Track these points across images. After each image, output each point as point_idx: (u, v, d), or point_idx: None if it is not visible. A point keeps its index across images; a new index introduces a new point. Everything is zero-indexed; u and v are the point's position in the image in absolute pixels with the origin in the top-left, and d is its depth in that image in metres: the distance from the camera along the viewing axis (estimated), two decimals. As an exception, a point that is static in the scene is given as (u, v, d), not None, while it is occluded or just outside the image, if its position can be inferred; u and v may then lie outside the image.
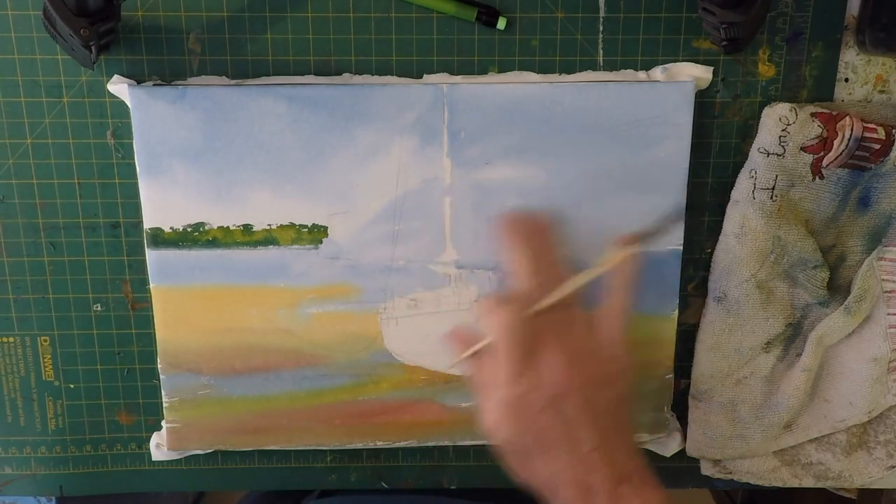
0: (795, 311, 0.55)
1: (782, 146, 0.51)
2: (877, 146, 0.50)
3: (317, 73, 0.51)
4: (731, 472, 0.58)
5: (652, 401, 0.56)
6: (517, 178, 0.51)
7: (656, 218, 0.49)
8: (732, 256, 0.53)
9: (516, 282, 0.47)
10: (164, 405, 0.54)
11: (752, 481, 0.58)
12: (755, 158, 0.51)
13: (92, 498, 0.60)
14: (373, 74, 0.51)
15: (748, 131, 0.53)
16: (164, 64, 0.50)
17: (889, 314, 0.53)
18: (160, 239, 0.51)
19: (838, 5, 0.51)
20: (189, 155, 0.50)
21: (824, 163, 0.51)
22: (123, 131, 0.51)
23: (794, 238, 0.52)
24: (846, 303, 0.53)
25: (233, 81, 0.50)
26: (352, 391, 0.55)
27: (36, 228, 0.53)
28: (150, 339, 0.55)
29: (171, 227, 0.51)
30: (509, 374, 0.45)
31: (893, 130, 0.50)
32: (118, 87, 0.50)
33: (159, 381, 0.54)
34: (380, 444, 0.56)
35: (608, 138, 0.50)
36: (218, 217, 0.51)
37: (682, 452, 0.58)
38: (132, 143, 0.50)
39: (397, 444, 0.57)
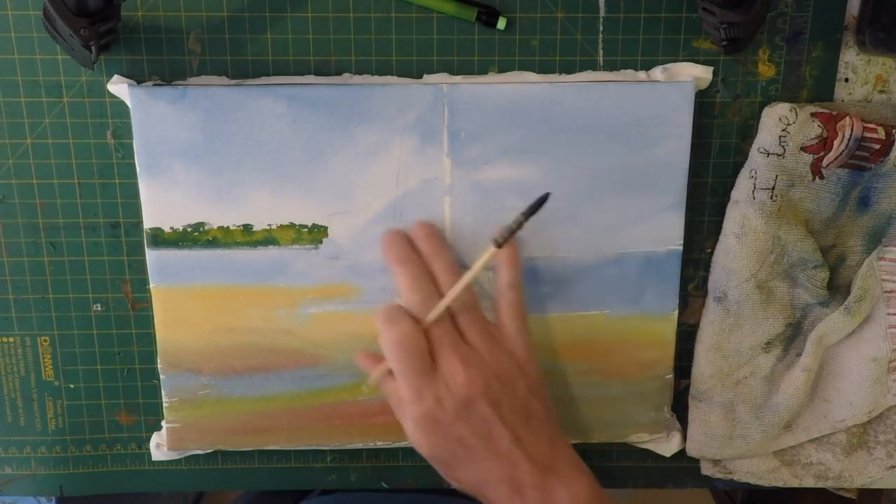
0: (795, 311, 0.55)
1: (782, 146, 0.51)
2: (877, 146, 0.50)
3: (317, 73, 0.51)
4: (731, 472, 0.58)
5: (652, 401, 0.56)
6: (517, 178, 0.51)
7: (523, 207, 0.48)
8: (732, 256, 0.53)
9: (402, 299, 0.49)
10: (164, 405, 0.54)
11: (752, 481, 0.58)
12: (755, 158, 0.51)
13: (92, 498, 0.60)
14: (373, 74, 0.51)
15: (748, 131, 0.53)
16: (164, 64, 0.50)
17: (889, 314, 0.53)
18: (160, 239, 0.51)
19: (838, 5, 0.51)
20: (189, 155, 0.50)
21: (824, 163, 0.51)
22: (123, 131, 0.51)
23: (794, 238, 0.52)
24: (846, 303, 0.53)
25: (233, 81, 0.50)
26: (352, 391, 0.55)
27: (36, 228, 0.53)
28: (150, 339, 0.55)
29: (171, 227, 0.51)
30: (410, 393, 0.46)
31: (893, 130, 0.50)
32: (118, 87, 0.50)
33: (159, 381, 0.54)
34: (380, 444, 0.56)
35: (608, 138, 0.50)
36: (218, 217, 0.51)
37: (682, 452, 0.58)
38: (132, 143, 0.50)
39: (397, 444, 0.57)
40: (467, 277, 0.47)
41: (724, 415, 0.56)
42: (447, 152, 0.50)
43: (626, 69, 0.51)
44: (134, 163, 0.50)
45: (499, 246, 0.48)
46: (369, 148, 0.50)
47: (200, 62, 0.51)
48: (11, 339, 0.55)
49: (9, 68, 0.50)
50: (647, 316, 0.54)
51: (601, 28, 0.51)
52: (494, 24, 0.50)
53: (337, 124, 0.50)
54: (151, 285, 0.52)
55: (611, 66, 0.51)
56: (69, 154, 0.52)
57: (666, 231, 0.52)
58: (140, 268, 0.54)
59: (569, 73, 0.51)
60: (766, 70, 0.52)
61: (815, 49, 0.51)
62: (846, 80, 0.52)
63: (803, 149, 0.51)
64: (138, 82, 0.50)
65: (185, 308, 0.52)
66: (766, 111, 0.51)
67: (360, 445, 0.56)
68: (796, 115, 0.50)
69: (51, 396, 0.56)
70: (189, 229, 0.51)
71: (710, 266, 0.55)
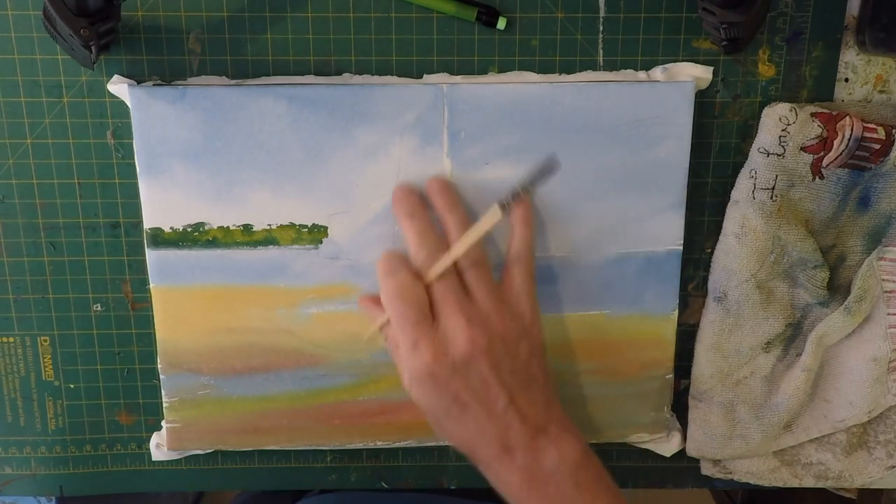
0: (795, 311, 0.55)
1: (782, 146, 0.51)
2: (877, 146, 0.50)
3: (317, 73, 0.51)
4: (731, 472, 0.58)
5: (652, 401, 0.56)
6: (517, 178, 0.51)
7: (530, 171, 0.48)
8: (732, 256, 0.53)
9: (410, 254, 0.48)
10: (164, 405, 0.54)
11: (752, 481, 0.58)
12: (755, 158, 0.51)
13: (92, 498, 0.60)
14: (373, 74, 0.51)
15: (748, 131, 0.53)
16: (164, 64, 0.50)
17: (889, 314, 0.53)
18: (160, 239, 0.51)
19: (838, 5, 0.51)
20: (189, 155, 0.50)
21: (824, 163, 0.51)
22: (123, 131, 0.51)
23: (794, 238, 0.52)
24: (846, 303, 0.53)
25: (233, 81, 0.50)
26: (352, 391, 0.55)
27: (36, 228, 0.53)
28: (150, 339, 0.55)
29: (171, 227, 0.51)
30: (406, 344, 0.46)
31: (893, 130, 0.50)
32: (118, 87, 0.50)
33: (159, 381, 0.54)
34: (380, 444, 0.56)
35: (608, 138, 0.50)
36: (218, 217, 0.51)
37: (682, 452, 0.58)
38: (132, 143, 0.50)
39: (397, 444, 0.57)
40: (470, 238, 0.47)
41: (724, 415, 0.56)
42: (447, 152, 0.50)
43: (626, 69, 0.51)
44: (134, 163, 0.50)
45: (503, 209, 0.47)
46: (369, 148, 0.50)
47: (200, 62, 0.51)
48: (11, 339, 0.55)
49: (9, 68, 0.50)
50: (647, 316, 0.54)
51: (601, 28, 0.51)
52: (494, 24, 0.50)
53: (337, 124, 0.50)
54: (151, 285, 0.52)
55: (611, 66, 0.51)
56: (69, 154, 0.52)
57: (666, 231, 0.52)
58: (140, 268, 0.54)
59: (569, 73, 0.51)
60: (766, 70, 0.52)
61: (815, 49, 0.51)
62: (846, 80, 0.52)
63: (803, 149, 0.51)
64: (138, 82, 0.50)
65: (185, 308, 0.52)
66: (766, 111, 0.51)
67: (360, 445, 0.56)
68: (796, 115, 0.50)
69: (51, 396, 0.56)
70: (189, 229, 0.51)
71: (710, 266, 0.55)
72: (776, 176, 0.51)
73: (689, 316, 0.56)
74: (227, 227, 0.51)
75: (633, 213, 0.52)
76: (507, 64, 0.51)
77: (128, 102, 0.49)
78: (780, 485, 0.58)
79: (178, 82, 0.50)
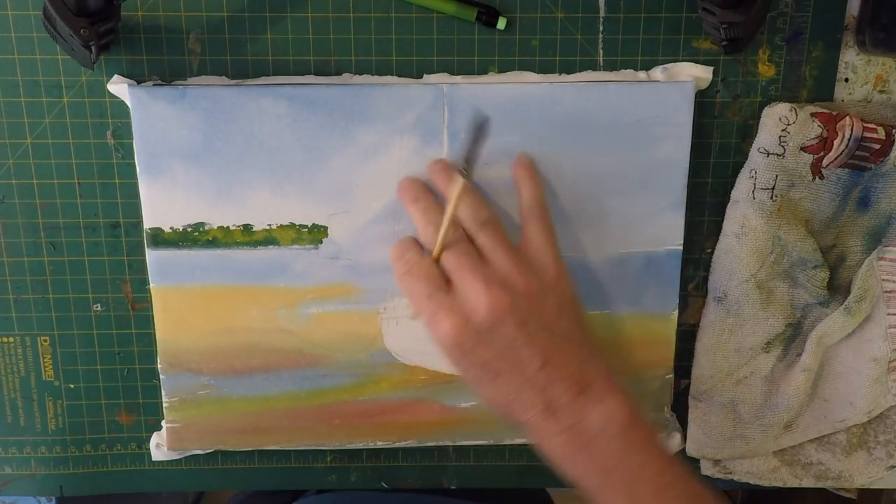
0: (795, 311, 0.55)
1: (782, 146, 0.51)
2: (877, 146, 0.50)
3: (317, 73, 0.51)
4: (731, 472, 0.58)
5: (652, 401, 0.56)
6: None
7: (466, 135, 0.47)
8: (732, 256, 0.53)
9: (419, 236, 0.47)
10: (164, 405, 0.54)
11: (752, 481, 0.58)
12: (755, 158, 0.51)
13: (92, 498, 0.60)
14: (373, 74, 0.51)
15: (748, 131, 0.53)
16: (164, 64, 0.50)
17: (889, 314, 0.53)
18: (160, 239, 0.51)
19: (838, 5, 0.51)
20: (189, 155, 0.50)
21: (824, 163, 0.51)
22: (123, 131, 0.51)
23: (794, 238, 0.52)
24: (846, 303, 0.53)
25: (233, 81, 0.50)
26: (352, 391, 0.55)
27: (36, 228, 0.53)
28: (150, 339, 0.55)
29: (171, 227, 0.51)
30: (427, 319, 0.44)
31: (893, 130, 0.50)
32: (118, 87, 0.50)
33: (159, 381, 0.54)
34: (380, 444, 0.56)
35: (608, 138, 0.50)
36: (218, 217, 0.51)
37: (682, 452, 0.58)
38: (132, 143, 0.50)
39: (397, 444, 0.57)
40: (447, 214, 0.45)
41: (724, 415, 0.56)
42: (447, 152, 0.50)
43: (626, 69, 0.51)
44: (134, 163, 0.50)
45: (463, 175, 0.45)
46: (369, 148, 0.50)
47: (200, 62, 0.51)
48: (11, 339, 0.55)
49: (9, 68, 0.50)
50: (647, 316, 0.54)
51: (601, 28, 0.51)
52: (494, 24, 0.50)
53: (337, 124, 0.50)
54: (151, 285, 0.52)
55: (611, 66, 0.51)
56: (69, 154, 0.52)
57: (666, 231, 0.52)
58: (140, 268, 0.54)
59: (569, 73, 0.51)
60: (766, 70, 0.52)
61: (815, 49, 0.51)
62: (846, 80, 0.52)
63: (803, 149, 0.51)
64: (138, 82, 0.50)
65: (185, 308, 0.52)
66: (766, 111, 0.51)
67: (360, 445, 0.56)
68: (796, 115, 0.50)
69: (51, 396, 0.56)
70: (189, 229, 0.51)
71: (710, 266, 0.55)
72: (776, 176, 0.51)
73: (689, 316, 0.56)
74: (227, 227, 0.51)
75: (633, 213, 0.52)
76: (507, 64, 0.51)
77: (128, 102, 0.49)
78: (780, 485, 0.58)
79: (178, 82, 0.50)
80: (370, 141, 0.50)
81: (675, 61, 0.51)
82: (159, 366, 0.54)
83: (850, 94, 0.53)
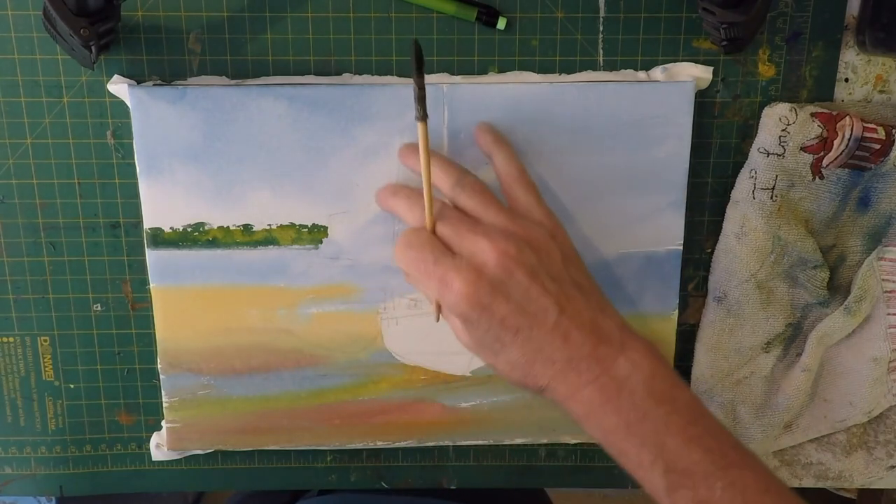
0: (795, 311, 0.55)
1: (782, 146, 0.51)
2: (877, 146, 0.50)
3: (317, 73, 0.51)
4: (731, 472, 0.58)
5: (652, 401, 0.56)
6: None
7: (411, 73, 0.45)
8: (732, 256, 0.53)
9: (407, 224, 0.46)
10: (164, 405, 0.54)
11: (752, 481, 0.58)
12: (755, 158, 0.51)
13: (92, 498, 0.60)
14: (373, 74, 0.51)
15: (748, 131, 0.53)
16: (164, 64, 0.50)
17: (889, 314, 0.53)
18: (160, 239, 0.51)
19: (838, 5, 0.51)
20: (189, 155, 0.50)
21: (824, 163, 0.51)
22: (123, 131, 0.51)
23: (794, 238, 0.52)
24: (846, 303, 0.53)
25: (233, 81, 0.50)
26: (352, 391, 0.55)
27: (36, 228, 0.53)
28: (150, 339, 0.55)
29: (171, 227, 0.51)
30: (439, 287, 0.43)
31: (893, 130, 0.50)
32: (118, 87, 0.50)
33: (159, 381, 0.54)
34: (380, 444, 0.56)
35: (608, 138, 0.50)
36: (218, 217, 0.51)
37: (682, 452, 0.58)
38: (132, 143, 0.50)
39: (397, 444, 0.57)
40: (423, 160, 0.44)
41: (725, 415, 0.56)
42: (447, 152, 0.50)
43: (626, 69, 0.51)
44: (134, 163, 0.50)
45: (423, 119, 0.43)
46: (369, 148, 0.50)
47: (200, 62, 0.51)
48: (11, 339, 0.55)
49: (9, 68, 0.50)
50: (647, 316, 0.54)
51: (601, 28, 0.51)
52: (494, 24, 0.50)
53: (337, 124, 0.50)
54: (151, 285, 0.52)
55: (611, 66, 0.51)
56: (69, 154, 0.52)
57: (666, 231, 0.52)
58: (140, 268, 0.54)
59: (569, 73, 0.51)
60: (766, 70, 0.52)
61: (815, 49, 0.51)
62: (846, 80, 0.52)
63: (803, 149, 0.51)
64: (138, 82, 0.50)
65: (185, 308, 0.52)
66: (766, 111, 0.51)
67: (360, 445, 0.56)
68: (796, 115, 0.50)
69: (51, 396, 0.56)
70: (189, 229, 0.51)
71: (710, 266, 0.55)
72: (776, 176, 0.51)
73: (689, 316, 0.56)
74: (227, 227, 0.51)
75: (633, 213, 0.52)
76: (507, 64, 0.51)
77: (128, 102, 0.49)
78: (780, 485, 0.58)
79: (178, 82, 0.50)
80: (370, 141, 0.50)
81: (675, 61, 0.51)
82: (159, 366, 0.54)
83: (850, 94, 0.53)
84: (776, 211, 0.52)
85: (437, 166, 0.46)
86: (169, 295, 0.52)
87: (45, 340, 0.55)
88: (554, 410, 0.55)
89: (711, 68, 0.51)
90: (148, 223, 0.51)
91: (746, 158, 0.52)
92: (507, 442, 0.57)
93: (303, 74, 0.51)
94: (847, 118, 0.50)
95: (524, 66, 0.51)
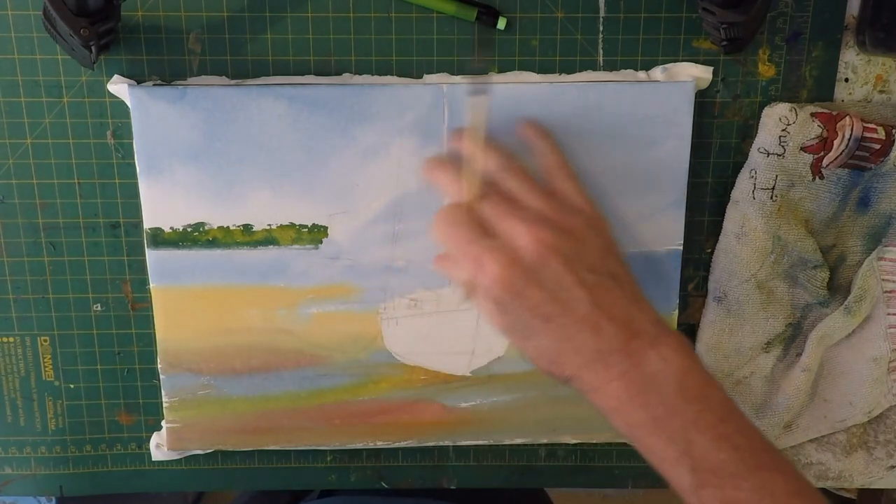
0: (795, 311, 0.55)
1: (782, 146, 0.51)
2: (877, 146, 0.50)
3: (317, 73, 0.51)
4: (731, 472, 0.58)
5: (652, 401, 0.56)
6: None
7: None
8: (732, 256, 0.53)
9: (448, 196, 0.46)
10: (164, 405, 0.54)
11: (752, 481, 0.58)
12: (755, 158, 0.51)
13: (92, 498, 0.60)
14: (373, 74, 0.51)
15: (748, 131, 0.53)
16: (164, 64, 0.50)
17: (889, 314, 0.53)
18: (160, 239, 0.51)
19: (838, 5, 0.51)
20: (189, 155, 0.50)
21: (824, 163, 0.51)
22: (123, 131, 0.51)
23: (794, 238, 0.52)
24: (846, 303, 0.53)
25: (233, 81, 0.50)
26: (352, 391, 0.55)
27: (36, 228, 0.53)
28: (150, 339, 0.55)
29: (171, 227, 0.51)
30: (472, 267, 0.42)
31: (893, 130, 0.50)
32: (118, 87, 0.50)
33: (159, 381, 0.54)
34: (380, 444, 0.56)
35: (608, 138, 0.50)
36: (218, 217, 0.51)
37: (682, 452, 0.58)
38: (132, 143, 0.50)
39: (397, 444, 0.57)
40: (471, 135, 0.43)
41: (724, 415, 0.56)
42: (447, 152, 0.50)
43: (626, 69, 0.51)
44: (134, 163, 0.50)
45: (482, 94, 0.43)
46: (369, 148, 0.50)
47: (200, 62, 0.51)
48: (11, 339, 0.55)
49: (9, 68, 0.50)
50: (647, 316, 0.54)
51: (601, 28, 0.51)
52: (494, 24, 0.50)
53: (337, 124, 0.50)
54: (151, 285, 0.52)
55: (611, 66, 0.51)
56: (69, 154, 0.52)
57: (666, 231, 0.52)
58: (140, 268, 0.54)
59: (569, 73, 0.51)
60: (766, 70, 0.52)
61: (815, 49, 0.51)
62: (846, 80, 0.52)
63: (803, 149, 0.51)
64: (138, 82, 0.50)
65: (185, 308, 0.52)
66: (766, 111, 0.51)
67: (360, 445, 0.56)
68: (796, 115, 0.50)
69: (51, 396, 0.56)
70: (189, 229, 0.51)
71: (710, 266, 0.55)
72: (776, 176, 0.51)
73: (689, 316, 0.56)
74: (227, 227, 0.51)
75: (633, 213, 0.52)
76: (507, 64, 0.51)
77: (128, 102, 0.49)
78: (780, 485, 0.58)
79: (178, 82, 0.50)
80: (370, 141, 0.50)
81: (675, 61, 0.51)
82: (159, 366, 0.54)
83: (850, 94, 0.53)
84: (776, 211, 0.52)
85: (486, 147, 0.46)
86: (169, 295, 0.52)
87: (45, 340, 0.55)
88: (554, 410, 0.56)
89: (711, 68, 0.51)
90: (148, 223, 0.51)
91: (746, 158, 0.52)
92: (506, 442, 0.57)
93: (303, 74, 0.51)
94: (847, 118, 0.50)
95: (524, 66, 0.51)
